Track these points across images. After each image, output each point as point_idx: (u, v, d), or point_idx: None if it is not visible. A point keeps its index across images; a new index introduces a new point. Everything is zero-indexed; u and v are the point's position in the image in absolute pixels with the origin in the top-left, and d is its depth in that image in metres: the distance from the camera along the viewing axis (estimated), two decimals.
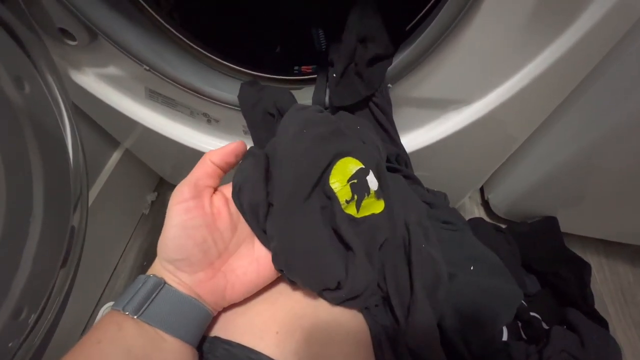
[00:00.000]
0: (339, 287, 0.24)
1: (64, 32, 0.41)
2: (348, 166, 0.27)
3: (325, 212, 0.25)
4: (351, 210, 0.27)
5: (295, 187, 0.24)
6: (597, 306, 0.62)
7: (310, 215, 0.24)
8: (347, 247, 0.26)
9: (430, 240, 0.32)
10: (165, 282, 0.22)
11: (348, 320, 0.26)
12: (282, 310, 0.25)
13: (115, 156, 0.73)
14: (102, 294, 0.73)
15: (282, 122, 0.28)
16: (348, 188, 0.26)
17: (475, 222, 0.66)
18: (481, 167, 0.59)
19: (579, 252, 0.68)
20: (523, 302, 0.56)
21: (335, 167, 0.26)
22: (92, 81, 0.47)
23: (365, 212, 0.27)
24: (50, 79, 0.37)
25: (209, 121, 0.52)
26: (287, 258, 0.24)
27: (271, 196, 0.25)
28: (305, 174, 0.25)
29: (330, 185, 0.26)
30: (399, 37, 0.40)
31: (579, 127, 0.53)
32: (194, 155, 0.56)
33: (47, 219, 0.37)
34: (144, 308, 0.21)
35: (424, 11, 0.40)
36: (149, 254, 0.79)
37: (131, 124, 0.53)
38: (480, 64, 0.36)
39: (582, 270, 0.65)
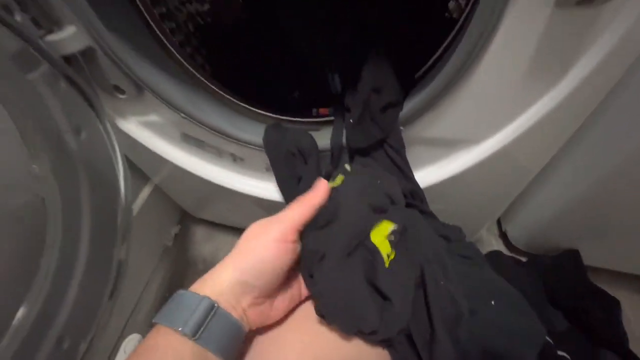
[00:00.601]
0: (373, 332, 0.26)
1: (116, 88, 0.47)
2: (387, 227, 0.31)
3: (365, 265, 0.28)
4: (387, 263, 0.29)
5: (348, 244, 0.28)
6: (632, 346, 0.58)
7: (353, 268, 0.28)
8: (384, 297, 0.28)
9: (449, 276, 0.33)
10: (218, 306, 0.23)
11: (375, 356, 0.28)
12: (314, 343, 0.27)
13: (146, 190, 0.78)
14: (124, 327, 0.75)
15: (347, 183, 0.33)
16: (387, 243, 0.29)
17: (495, 256, 0.65)
18: (496, 200, 0.60)
19: (608, 288, 0.66)
20: (550, 340, 0.54)
21: (376, 227, 0.30)
22: (134, 127, 0.53)
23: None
24: (105, 126, 0.42)
25: (234, 160, 0.56)
26: (329, 305, 0.26)
27: (324, 246, 0.28)
28: (357, 235, 0.28)
29: (372, 241, 0.29)
30: (409, 84, 0.44)
31: (594, 158, 0.53)
32: (219, 191, 0.61)
33: (92, 255, 0.41)
34: (200, 331, 0.22)
35: (432, 60, 0.45)
36: (172, 287, 0.81)
37: (165, 163, 0.58)
38: (486, 107, 0.39)
39: (612, 306, 0.62)
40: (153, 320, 0.23)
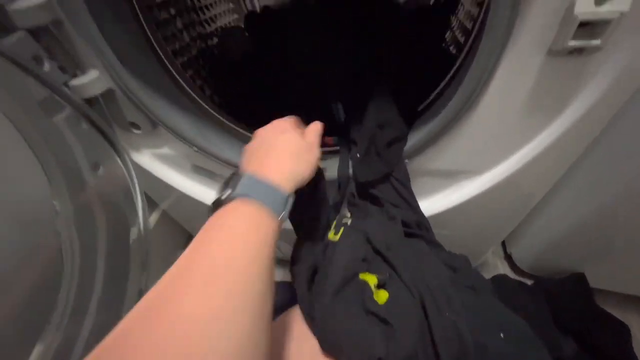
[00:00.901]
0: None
1: (132, 124, 0.50)
2: (372, 278, 0.33)
3: (356, 295, 0.29)
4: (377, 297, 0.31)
5: (340, 283, 0.29)
6: None
7: (347, 299, 0.29)
8: (385, 321, 0.28)
9: (454, 308, 0.33)
10: (290, 194, 0.27)
11: None
12: None
13: (154, 216, 0.80)
14: None
15: (343, 239, 0.36)
16: (374, 277, 0.31)
17: (501, 280, 0.65)
18: (499, 226, 0.61)
19: (615, 311, 0.65)
20: None
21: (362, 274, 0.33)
22: (148, 159, 0.55)
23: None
24: (126, 162, 0.44)
25: None
26: (331, 339, 0.27)
27: (319, 289, 0.29)
28: (346, 278, 0.31)
29: (360, 277, 0.30)
30: (412, 118, 0.46)
31: (597, 182, 0.54)
32: None
33: (107, 289, 0.42)
34: (285, 211, 0.26)
35: (433, 94, 0.47)
36: None
37: (175, 192, 0.59)
38: (486, 142, 0.41)
39: (621, 330, 0.61)
40: (235, 193, 0.24)
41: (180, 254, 0.22)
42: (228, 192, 0.25)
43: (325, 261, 0.35)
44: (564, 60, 0.31)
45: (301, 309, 0.32)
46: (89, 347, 0.39)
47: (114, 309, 0.43)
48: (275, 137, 0.31)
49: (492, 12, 0.29)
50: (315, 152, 0.32)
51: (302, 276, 0.35)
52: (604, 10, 0.26)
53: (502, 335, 0.35)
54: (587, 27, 0.28)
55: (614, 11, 0.26)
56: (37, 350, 0.35)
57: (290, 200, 0.27)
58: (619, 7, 0.26)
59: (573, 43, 0.28)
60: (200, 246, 0.22)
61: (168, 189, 0.59)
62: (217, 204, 0.25)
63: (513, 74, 0.33)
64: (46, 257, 0.39)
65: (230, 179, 0.27)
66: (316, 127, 0.35)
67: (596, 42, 0.28)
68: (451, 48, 0.66)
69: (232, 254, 0.21)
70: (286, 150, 0.29)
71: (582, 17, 0.27)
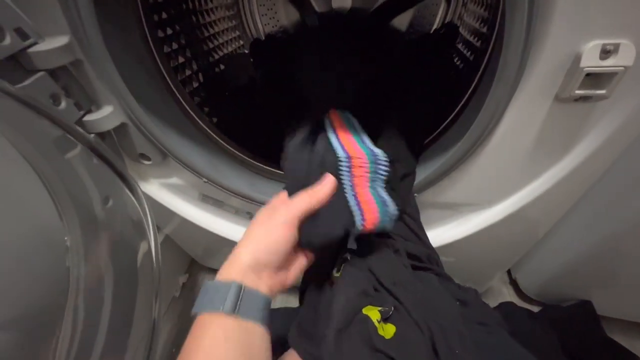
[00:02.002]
0: None
1: (142, 155, 0.50)
2: (374, 310, 0.33)
3: (360, 333, 0.29)
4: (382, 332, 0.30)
5: (343, 321, 0.29)
6: None
7: (353, 339, 0.28)
8: (391, 357, 0.28)
9: (466, 345, 0.33)
10: (245, 285, 0.28)
11: None
12: None
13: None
14: None
15: (344, 276, 0.35)
16: (376, 311, 0.31)
17: (508, 309, 0.65)
18: (506, 255, 0.61)
19: (622, 339, 0.65)
20: None
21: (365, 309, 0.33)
22: (156, 189, 0.55)
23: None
24: (138, 196, 0.45)
25: (251, 217, 0.58)
26: None
27: (322, 329, 0.29)
28: (349, 314, 0.31)
29: (363, 312, 0.30)
30: (419, 151, 0.47)
31: (603, 211, 0.54)
32: (231, 242, 0.62)
33: (113, 324, 0.41)
34: (237, 308, 0.26)
35: (442, 126, 0.48)
36: (179, 339, 0.79)
37: (179, 218, 0.59)
38: (494, 178, 0.42)
39: None
40: (193, 311, 0.27)
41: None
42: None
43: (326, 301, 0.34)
44: (570, 107, 0.32)
45: (303, 351, 0.32)
46: None
47: (120, 342, 0.42)
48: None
49: (502, 61, 0.30)
50: (278, 222, 0.31)
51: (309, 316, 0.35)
52: (609, 64, 0.28)
53: None
54: (593, 78, 0.29)
55: (618, 65, 0.28)
56: None
57: (233, 290, 0.27)
58: (623, 62, 0.27)
59: (580, 92, 0.30)
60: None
61: (172, 215, 0.59)
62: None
63: (521, 117, 0.34)
64: (53, 292, 0.39)
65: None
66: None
67: (601, 91, 0.29)
68: (455, 79, 0.68)
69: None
70: (245, 234, 0.32)
71: (587, 70, 0.28)
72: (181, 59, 0.63)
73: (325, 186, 0.34)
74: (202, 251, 0.80)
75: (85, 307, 0.41)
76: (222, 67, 0.82)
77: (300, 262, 0.34)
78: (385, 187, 0.38)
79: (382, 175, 0.37)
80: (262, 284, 0.29)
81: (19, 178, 0.34)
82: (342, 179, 0.36)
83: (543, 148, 0.36)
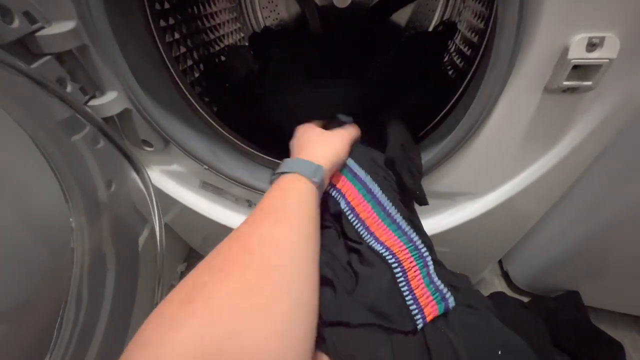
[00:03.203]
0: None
1: (144, 142, 0.51)
2: None
3: None
4: None
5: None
6: None
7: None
8: None
9: (453, 326, 0.35)
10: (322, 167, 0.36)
11: None
12: None
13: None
14: None
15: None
16: None
17: (498, 298, 0.67)
18: (498, 245, 0.63)
19: (609, 328, 0.67)
20: None
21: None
22: (157, 176, 0.56)
23: None
24: (144, 179, 0.46)
25: (250, 205, 0.59)
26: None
27: None
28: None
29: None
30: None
31: (592, 204, 0.56)
32: (230, 230, 0.63)
33: (115, 306, 0.42)
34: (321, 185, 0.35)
35: (437, 119, 0.50)
36: None
37: (179, 205, 0.60)
38: (486, 168, 0.43)
39: (616, 351, 0.63)
40: (281, 170, 0.35)
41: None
42: (275, 174, 0.35)
43: None
44: (559, 98, 0.33)
45: None
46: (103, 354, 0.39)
47: (122, 325, 0.43)
48: (304, 135, 0.43)
49: (494, 53, 0.31)
50: (340, 137, 0.41)
51: None
52: (595, 56, 0.29)
53: (500, 352, 0.36)
54: (580, 70, 0.31)
55: (604, 57, 0.29)
56: None
57: (320, 169, 0.34)
58: (608, 54, 0.29)
59: (567, 83, 0.31)
60: (264, 202, 0.30)
61: (174, 203, 0.60)
62: (271, 182, 0.35)
63: (512, 108, 0.35)
64: (58, 271, 0.40)
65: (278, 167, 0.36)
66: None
67: (588, 83, 0.31)
68: (450, 73, 0.69)
69: (285, 202, 0.30)
70: (312, 141, 0.41)
71: (574, 62, 0.30)
72: (183, 49, 0.64)
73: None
74: (201, 240, 0.82)
75: (89, 288, 0.43)
76: (222, 58, 0.83)
77: None
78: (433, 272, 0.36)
79: (429, 264, 0.36)
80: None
81: (26, 159, 0.35)
82: (400, 284, 0.34)
83: (533, 138, 0.38)
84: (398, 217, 0.39)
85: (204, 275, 0.23)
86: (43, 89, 0.35)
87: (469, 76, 0.44)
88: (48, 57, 0.37)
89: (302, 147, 0.40)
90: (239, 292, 0.21)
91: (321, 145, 0.39)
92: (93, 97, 0.43)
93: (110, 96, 0.43)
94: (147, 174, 0.46)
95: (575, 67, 0.30)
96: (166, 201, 0.60)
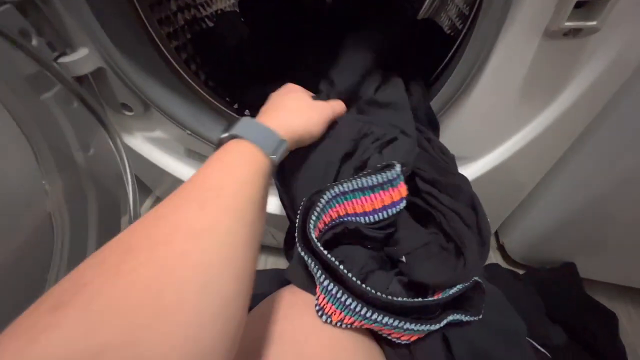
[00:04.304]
0: None
1: (124, 105, 0.49)
2: None
3: None
4: None
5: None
6: (630, 359, 0.59)
7: None
8: None
9: None
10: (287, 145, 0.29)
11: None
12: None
13: (148, 202, 0.80)
14: None
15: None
16: None
17: (493, 270, 0.66)
18: (493, 213, 0.61)
19: (604, 300, 0.67)
20: (547, 354, 0.54)
21: None
22: (140, 143, 0.54)
23: None
24: (116, 143, 0.44)
25: None
26: None
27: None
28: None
29: None
30: None
31: (588, 173, 0.54)
32: None
33: None
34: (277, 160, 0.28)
35: (433, 76, 0.47)
36: None
37: (168, 176, 0.59)
38: (482, 126, 0.41)
39: (609, 320, 0.63)
40: (232, 133, 0.27)
41: None
42: (225, 134, 0.27)
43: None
44: (560, 43, 0.31)
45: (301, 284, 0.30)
46: None
47: None
48: (281, 96, 0.36)
49: None
50: (320, 112, 0.34)
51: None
52: None
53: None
54: (584, 8, 0.28)
55: None
56: None
57: (284, 145, 0.28)
58: None
59: (569, 24, 0.28)
60: (196, 176, 0.23)
61: (161, 173, 0.58)
62: (218, 144, 0.28)
63: (509, 56, 0.32)
64: (36, 236, 0.39)
65: (233, 123, 0.29)
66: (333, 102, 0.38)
67: (592, 23, 0.28)
68: (449, 33, 0.65)
69: (223, 180, 0.23)
70: (287, 105, 0.33)
71: None
72: (166, 12, 0.61)
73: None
74: None
75: (70, 252, 0.42)
76: (209, 24, 0.79)
77: None
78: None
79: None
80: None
81: None
82: None
83: (531, 91, 0.35)
84: None
85: (87, 272, 0.17)
86: (3, 39, 0.33)
87: (465, 28, 0.41)
88: (7, 6, 0.34)
89: (271, 109, 0.33)
90: (131, 294, 0.16)
91: (295, 114, 0.32)
92: (63, 54, 0.41)
93: (81, 53, 0.41)
94: (120, 141, 0.44)
95: (578, 5, 0.27)
96: (151, 170, 0.58)
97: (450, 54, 0.43)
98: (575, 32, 0.29)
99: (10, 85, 0.35)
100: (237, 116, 0.56)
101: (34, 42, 0.37)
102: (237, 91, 0.66)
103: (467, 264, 0.30)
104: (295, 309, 0.28)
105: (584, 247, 0.68)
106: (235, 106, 0.62)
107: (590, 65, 0.32)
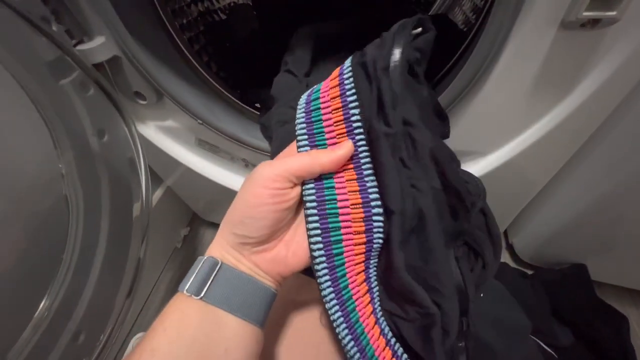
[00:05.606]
0: None
1: (137, 94, 0.50)
2: None
3: None
4: None
5: None
6: None
7: None
8: None
9: None
10: (222, 262, 0.22)
11: None
12: None
13: (159, 192, 0.81)
14: (133, 325, 0.76)
15: None
16: None
17: (501, 269, 0.65)
18: (502, 211, 0.60)
19: (615, 303, 0.65)
20: (553, 353, 0.53)
21: None
22: (152, 132, 0.55)
23: None
24: (131, 130, 0.45)
25: (246, 165, 0.58)
26: None
27: None
28: None
29: None
30: None
31: (600, 174, 0.53)
32: (230, 194, 0.63)
33: (109, 253, 0.43)
34: (205, 289, 0.21)
35: (445, 68, 0.46)
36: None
37: (179, 166, 0.60)
38: (493, 121, 0.40)
39: (620, 323, 0.61)
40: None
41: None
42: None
43: None
44: (576, 34, 0.30)
45: None
46: (92, 307, 0.40)
47: (116, 274, 0.44)
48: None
49: None
50: (260, 184, 0.23)
51: None
52: None
53: (482, 295, 0.35)
54: None
55: None
56: (43, 305, 0.36)
57: (203, 266, 0.22)
58: None
59: (587, 14, 0.28)
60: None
61: (172, 163, 0.60)
62: None
63: (523, 48, 0.32)
64: (53, 218, 0.40)
65: None
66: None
67: (612, 13, 0.27)
68: (462, 27, 0.64)
69: (154, 339, 0.20)
70: (238, 195, 0.24)
71: None
72: (180, 3, 0.61)
73: (341, 149, 0.23)
74: (201, 203, 0.82)
75: (84, 233, 0.43)
76: (222, 16, 0.79)
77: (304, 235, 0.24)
78: None
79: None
80: (249, 264, 0.23)
81: (11, 100, 0.35)
82: None
83: (545, 85, 0.34)
84: None
85: None
86: (27, 25, 0.34)
87: (479, 21, 0.41)
88: None
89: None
90: None
91: (236, 202, 0.23)
92: (81, 42, 0.42)
93: (98, 41, 0.42)
94: (135, 129, 0.45)
95: None
96: (163, 160, 0.59)
97: (463, 47, 0.43)
98: (593, 23, 0.29)
99: (31, 71, 0.36)
100: (247, 107, 0.56)
101: (54, 28, 0.38)
102: (247, 86, 0.67)
103: (487, 266, 0.29)
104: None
105: (594, 249, 0.67)
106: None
107: (607, 58, 0.31)
